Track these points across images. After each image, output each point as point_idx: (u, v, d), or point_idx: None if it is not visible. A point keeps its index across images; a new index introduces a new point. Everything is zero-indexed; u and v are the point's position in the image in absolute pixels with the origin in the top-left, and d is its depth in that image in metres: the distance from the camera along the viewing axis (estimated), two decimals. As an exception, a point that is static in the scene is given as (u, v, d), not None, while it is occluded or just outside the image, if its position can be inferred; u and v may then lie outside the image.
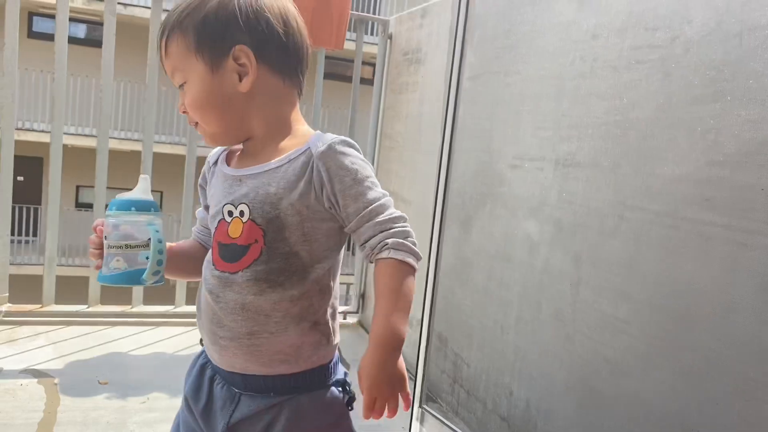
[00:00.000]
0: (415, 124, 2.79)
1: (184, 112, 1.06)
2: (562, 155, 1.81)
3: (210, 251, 1.07)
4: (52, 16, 2.99)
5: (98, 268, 1.02)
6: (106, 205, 1.02)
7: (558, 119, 1.83)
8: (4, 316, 2.79)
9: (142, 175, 0.98)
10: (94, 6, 10.72)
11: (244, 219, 1.00)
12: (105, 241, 0.98)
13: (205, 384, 1.09)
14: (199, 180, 1.17)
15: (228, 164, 1.10)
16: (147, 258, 0.97)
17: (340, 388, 1.07)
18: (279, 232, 0.99)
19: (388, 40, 3.16)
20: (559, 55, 1.83)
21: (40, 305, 2.87)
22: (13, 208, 11.65)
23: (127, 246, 0.95)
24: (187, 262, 1.14)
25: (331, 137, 1.03)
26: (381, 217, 1.00)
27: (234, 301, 1.00)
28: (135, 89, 11.39)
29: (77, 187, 12.74)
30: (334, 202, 1.00)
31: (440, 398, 2.40)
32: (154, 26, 2.88)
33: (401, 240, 1.00)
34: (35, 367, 2.35)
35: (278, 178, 1.00)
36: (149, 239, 0.97)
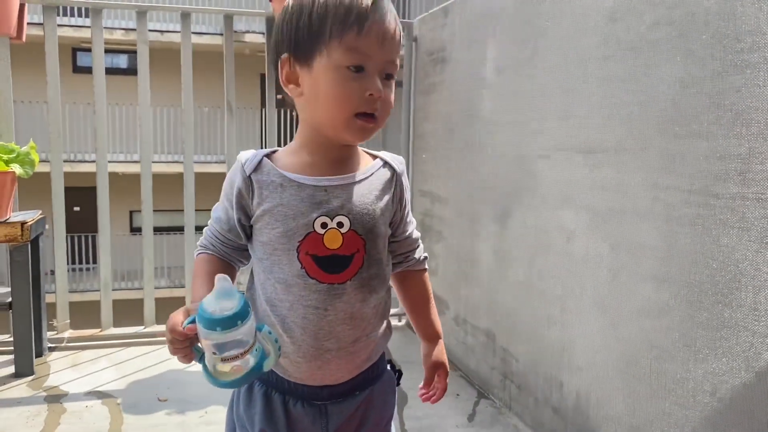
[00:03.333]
0: (445, 123, 2.79)
1: (378, 96, 1.00)
2: (589, 142, 1.79)
3: (293, 265, 1.02)
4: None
5: (187, 360, 0.95)
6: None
7: (583, 106, 1.82)
8: (67, 342, 2.92)
9: (219, 275, 0.89)
10: (132, 36, 11.09)
11: (344, 230, 1.02)
12: (207, 351, 0.90)
13: (278, 409, 1.07)
14: (233, 193, 1.05)
15: (286, 173, 1.04)
16: (258, 351, 0.92)
17: (389, 367, 1.17)
18: (375, 241, 1.06)
19: (414, 43, 3.18)
20: (580, 41, 1.82)
21: (100, 329, 2.99)
22: (73, 237, 12.17)
23: (241, 355, 0.89)
24: None
25: (399, 158, 1.16)
26: (417, 234, 1.20)
27: (344, 311, 1.03)
28: (178, 113, 11.71)
29: (130, 213, 13.17)
30: (399, 214, 1.13)
31: (492, 394, 2.39)
32: (186, 49, 2.98)
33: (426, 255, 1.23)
34: (98, 389, 2.44)
35: (371, 190, 1.07)
36: (257, 337, 0.92)
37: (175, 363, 2.73)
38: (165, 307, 3.22)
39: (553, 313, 1.98)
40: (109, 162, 3.04)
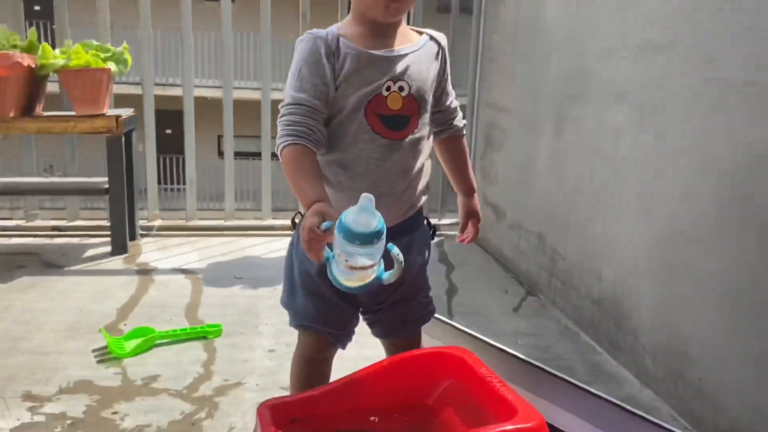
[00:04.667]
0: (512, 32, 2.84)
1: None
2: (642, 41, 1.83)
3: (360, 123, 1.17)
4: None
5: (318, 259, 1.04)
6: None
7: (639, 4, 1.85)
8: (157, 230, 3.24)
9: (364, 194, 0.98)
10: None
11: (404, 93, 1.19)
12: (339, 256, 1.00)
13: None
14: (321, 63, 1.15)
15: (356, 46, 1.17)
16: (381, 264, 1.03)
17: (426, 222, 1.36)
18: (425, 107, 1.24)
19: (487, -46, 3.19)
20: (641, -62, 1.84)
21: (185, 220, 3.30)
22: (165, 159, 12.85)
23: (369, 266, 0.99)
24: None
25: (442, 34, 1.30)
26: (456, 103, 1.36)
27: (399, 163, 1.20)
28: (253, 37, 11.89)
29: (218, 137, 13.72)
30: (443, 85, 1.30)
31: (540, 292, 2.52)
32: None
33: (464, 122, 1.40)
34: (183, 267, 2.74)
35: (423, 59, 1.23)
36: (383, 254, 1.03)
37: (251, 250, 3.00)
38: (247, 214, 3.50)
39: (597, 211, 2.07)
40: (198, 87, 3.29)
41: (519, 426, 0.95)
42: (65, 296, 2.36)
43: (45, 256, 2.85)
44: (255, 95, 3.28)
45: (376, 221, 0.97)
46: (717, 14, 1.52)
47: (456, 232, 1.45)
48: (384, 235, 0.98)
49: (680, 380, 1.64)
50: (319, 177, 1.14)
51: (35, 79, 2.70)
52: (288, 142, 1.13)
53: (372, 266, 1.00)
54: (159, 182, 3.28)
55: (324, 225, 1.00)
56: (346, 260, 0.98)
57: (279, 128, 1.16)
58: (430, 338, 1.58)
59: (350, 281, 1.02)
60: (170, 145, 11.58)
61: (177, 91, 3.41)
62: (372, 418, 1.17)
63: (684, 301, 1.64)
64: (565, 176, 2.32)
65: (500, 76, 2.99)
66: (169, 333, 2.00)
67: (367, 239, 0.96)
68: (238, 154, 3.57)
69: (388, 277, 1.03)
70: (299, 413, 1.14)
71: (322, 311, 1.27)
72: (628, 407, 1.35)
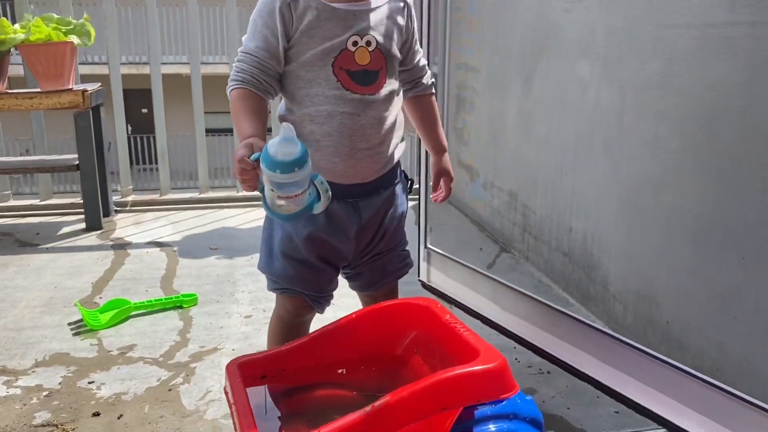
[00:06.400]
0: (478, -10, 2.82)
1: None
2: (605, -11, 1.83)
3: (329, 78, 1.17)
4: None
5: (251, 189, 1.07)
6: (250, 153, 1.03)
7: (601, -46, 1.84)
8: (131, 206, 3.22)
9: (285, 124, 0.99)
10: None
11: (371, 48, 1.19)
12: (267, 186, 1.02)
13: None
14: (274, 19, 1.16)
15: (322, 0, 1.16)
16: (312, 193, 1.04)
17: (404, 176, 1.38)
18: (392, 61, 1.25)
19: None
20: None
21: (159, 194, 3.28)
22: (141, 138, 12.68)
23: (295, 196, 1.00)
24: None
25: None
26: (424, 62, 1.36)
27: (374, 117, 1.21)
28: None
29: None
30: (409, 42, 1.30)
31: (513, 248, 2.55)
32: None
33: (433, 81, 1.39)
34: (158, 240, 2.73)
35: (389, 14, 1.23)
36: (312, 183, 1.04)
37: (226, 222, 3.00)
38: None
39: (566, 163, 2.08)
40: (172, 64, 3.24)
41: (481, 367, 0.97)
42: (40, 273, 2.35)
43: (19, 236, 2.82)
44: (227, 69, 3.24)
45: (297, 149, 0.98)
46: (674, -41, 1.52)
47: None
48: (307, 164, 0.99)
49: (649, 325, 1.68)
50: (259, 117, 1.16)
51: (-5, 55, 2.65)
52: (233, 86, 1.18)
53: (298, 196, 1.02)
54: (137, 162, 3.25)
55: (253, 156, 1.03)
56: (272, 189, 1.01)
57: (230, 74, 1.20)
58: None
59: (280, 210, 1.05)
60: (148, 125, 11.47)
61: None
62: (340, 371, 1.18)
63: (650, 247, 1.67)
64: (534, 132, 2.33)
65: (468, 36, 2.97)
66: (144, 303, 2.00)
67: (287, 168, 0.98)
68: (214, 131, 3.55)
69: (318, 206, 1.06)
70: (268, 369, 1.15)
71: (301, 274, 1.28)
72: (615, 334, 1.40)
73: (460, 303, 1.86)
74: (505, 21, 2.52)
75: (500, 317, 1.73)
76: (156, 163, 13.20)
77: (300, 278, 1.29)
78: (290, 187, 1.00)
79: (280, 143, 0.98)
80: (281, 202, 1.03)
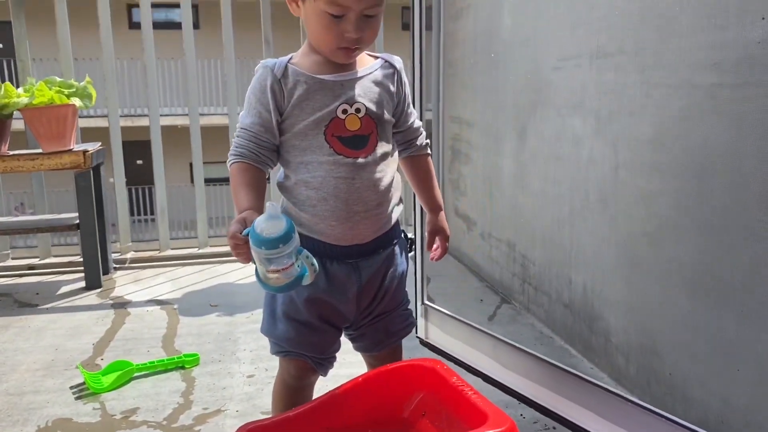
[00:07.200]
0: (470, 46, 2.90)
1: (357, 39, 1.17)
2: (594, 49, 1.89)
3: (321, 145, 1.21)
4: (153, 6, 3.34)
5: (246, 261, 1.11)
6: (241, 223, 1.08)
7: (589, 15, 1.92)
8: (130, 262, 3.23)
9: (269, 203, 1.04)
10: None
11: (361, 114, 1.23)
12: (257, 259, 1.06)
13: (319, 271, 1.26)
14: (266, 96, 1.22)
15: (308, 73, 1.22)
16: (301, 265, 1.09)
17: (403, 235, 1.41)
18: (384, 125, 1.28)
19: (443, -28, 3.25)
20: (585, -48, 1.91)
21: (159, 251, 3.29)
22: (137, 190, 12.75)
23: (283, 269, 1.05)
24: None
25: (398, 57, 1.33)
26: (419, 123, 1.40)
27: (368, 179, 1.24)
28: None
29: (190, 165, 13.67)
30: (401, 106, 1.33)
31: (513, 299, 2.56)
32: (226, 5, 3.16)
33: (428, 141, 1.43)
34: (158, 298, 2.74)
35: (378, 82, 1.28)
36: (299, 256, 1.08)
37: (226, 277, 3.01)
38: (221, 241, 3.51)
39: (563, 216, 2.12)
40: (168, 116, 3.32)
41: (491, 431, 0.97)
42: (40, 335, 2.34)
43: (18, 296, 2.82)
44: (225, 120, 3.30)
45: (281, 226, 1.02)
46: (661, 22, 1.59)
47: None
48: (293, 238, 1.04)
49: (652, 377, 1.69)
50: (256, 189, 1.21)
51: (-1, 118, 2.70)
52: (232, 161, 1.23)
53: (287, 268, 1.05)
54: (132, 213, 3.28)
55: (245, 231, 1.07)
56: (261, 264, 1.06)
57: (230, 149, 1.25)
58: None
59: (272, 282, 1.08)
60: (143, 176, 11.56)
61: (146, 122, 3.43)
62: (349, 435, 1.19)
63: (650, 299, 1.69)
64: (530, 184, 2.37)
65: (462, 90, 3.05)
66: (146, 365, 2.00)
67: (272, 244, 1.02)
68: (211, 181, 3.58)
69: (307, 278, 1.09)
70: (277, 435, 1.15)
71: (303, 336, 1.30)
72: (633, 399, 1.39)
73: (459, 360, 1.86)
74: (498, 77, 2.59)
75: (501, 375, 1.73)
76: (152, 213, 13.27)
77: (302, 341, 1.30)
78: (278, 261, 1.05)
79: (266, 220, 1.03)
80: (272, 274, 1.07)
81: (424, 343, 2.03)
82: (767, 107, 1.27)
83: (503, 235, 2.65)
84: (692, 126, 1.49)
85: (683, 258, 1.54)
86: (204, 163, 3.38)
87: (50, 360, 2.11)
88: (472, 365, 1.83)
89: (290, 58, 1.27)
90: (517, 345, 1.70)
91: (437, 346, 1.98)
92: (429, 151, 1.45)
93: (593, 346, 1.97)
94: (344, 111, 1.23)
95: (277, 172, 1.34)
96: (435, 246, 1.45)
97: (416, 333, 2.08)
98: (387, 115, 1.29)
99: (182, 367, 2.02)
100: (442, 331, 1.97)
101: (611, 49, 1.80)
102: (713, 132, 1.42)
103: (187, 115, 3.34)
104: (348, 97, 1.23)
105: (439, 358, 1.88)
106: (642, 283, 1.72)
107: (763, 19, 1.27)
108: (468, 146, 3.01)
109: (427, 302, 2.03)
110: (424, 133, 1.43)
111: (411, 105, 1.38)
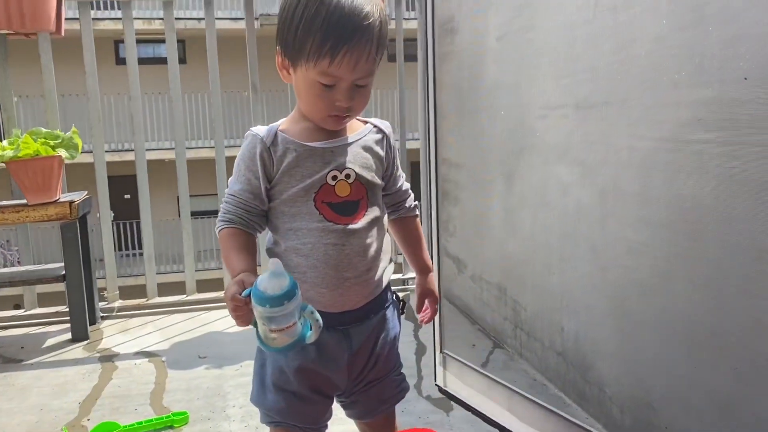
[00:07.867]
0: (456, 91, 2.92)
1: (348, 108, 1.19)
2: (580, 99, 1.91)
3: (311, 212, 1.21)
4: (140, 42, 3.35)
5: (245, 324, 1.10)
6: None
7: (573, 65, 1.93)
8: (117, 311, 3.18)
9: (272, 259, 1.04)
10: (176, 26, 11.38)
11: (351, 180, 1.23)
12: (259, 320, 1.04)
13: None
14: (256, 163, 1.22)
15: (297, 140, 1.22)
16: (304, 323, 1.08)
17: (395, 297, 1.40)
18: (374, 189, 1.28)
19: (427, 15, 3.28)
20: (566, 5, 1.93)
21: (146, 299, 3.25)
22: (125, 224, 12.69)
23: (286, 328, 1.03)
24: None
25: (386, 122, 1.36)
26: (407, 186, 1.42)
27: (358, 245, 1.23)
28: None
29: (178, 198, 13.62)
30: (390, 169, 1.35)
31: (506, 344, 2.54)
32: (210, 35, 3.17)
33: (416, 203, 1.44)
34: (145, 350, 2.69)
35: (367, 147, 1.28)
36: (303, 313, 1.07)
37: (214, 325, 2.97)
38: (208, 285, 3.48)
39: (552, 262, 2.11)
40: (155, 150, 3.30)
41: None
42: (25, 394, 2.29)
43: (2, 350, 2.77)
44: (212, 153, 3.26)
45: (285, 283, 1.01)
46: (646, 72, 1.60)
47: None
48: (296, 296, 1.03)
49: (647, 430, 1.67)
50: (247, 252, 1.20)
51: (-17, 171, 2.67)
52: (221, 227, 1.23)
53: (289, 327, 1.04)
54: (119, 248, 3.24)
55: (245, 292, 1.05)
56: (264, 324, 1.03)
57: (219, 215, 1.25)
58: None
59: (274, 343, 1.06)
60: (130, 211, 11.51)
61: (133, 156, 3.40)
62: None
63: (643, 350, 1.68)
64: (519, 229, 2.37)
65: (449, 132, 3.05)
66: (134, 426, 1.96)
67: (277, 301, 1.01)
68: (200, 213, 3.55)
69: (311, 336, 1.08)
70: None
71: (294, 407, 1.28)
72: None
73: (477, 410, 1.85)
74: (483, 122, 2.60)
75: (517, 427, 1.72)
76: (140, 248, 13.17)
77: (293, 411, 1.28)
78: (281, 320, 1.03)
79: (270, 278, 1.02)
80: (274, 335, 1.05)
81: (443, 392, 2.04)
82: (755, 168, 1.28)
83: (493, 278, 2.64)
84: (677, 179, 1.50)
85: (677, 310, 1.54)
86: (191, 196, 3.34)
87: (35, 422, 2.06)
88: (489, 415, 1.82)
89: (280, 125, 1.27)
90: (531, 398, 1.69)
91: (455, 394, 1.98)
92: (417, 213, 1.45)
93: (587, 395, 1.95)
94: (334, 177, 1.22)
95: (265, 236, 1.33)
96: (424, 308, 1.44)
97: (435, 380, 2.09)
98: (376, 180, 1.29)
99: (171, 427, 1.98)
100: (460, 380, 1.96)
101: (596, 100, 1.82)
102: (702, 189, 1.43)
103: (173, 149, 3.32)
104: (338, 164, 1.23)
105: (453, 409, 1.88)
106: (634, 333, 1.71)
107: (746, 79, 1.29)
108: (456, 187, 3.01)
109: (446, 351, 2.03)
110: (412, 195, 1.44)
111: (399, 168, 1.39)
